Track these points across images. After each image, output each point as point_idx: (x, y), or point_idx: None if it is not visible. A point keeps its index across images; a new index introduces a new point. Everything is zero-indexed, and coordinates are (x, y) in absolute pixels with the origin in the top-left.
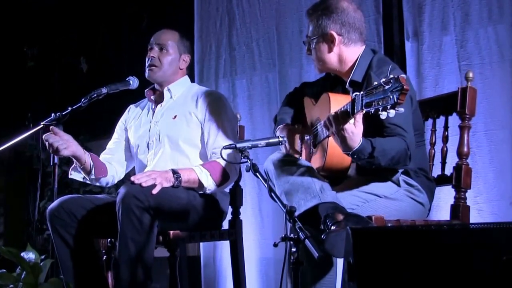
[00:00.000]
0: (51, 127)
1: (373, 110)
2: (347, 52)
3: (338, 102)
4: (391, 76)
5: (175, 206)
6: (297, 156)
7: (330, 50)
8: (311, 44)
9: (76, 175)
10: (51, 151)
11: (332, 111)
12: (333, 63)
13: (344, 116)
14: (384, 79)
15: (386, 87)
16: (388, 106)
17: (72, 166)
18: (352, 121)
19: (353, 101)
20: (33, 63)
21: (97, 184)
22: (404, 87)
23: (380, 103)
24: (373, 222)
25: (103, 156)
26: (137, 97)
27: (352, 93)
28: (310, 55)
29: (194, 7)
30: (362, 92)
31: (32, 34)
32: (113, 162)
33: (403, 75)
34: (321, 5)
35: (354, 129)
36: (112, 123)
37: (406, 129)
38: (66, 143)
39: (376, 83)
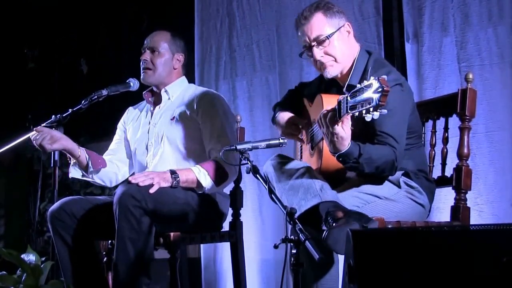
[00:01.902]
0: (34, 128)
1: (357, 113)
2: (353, 47)
3: (331, 103)
4: (372, 78)
5: (173, 206)
6: (299, 144)
7: (348, 41)
8: (328, 41)
9: (74, 173)
10: (39, 148)
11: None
12: (350, 57)
13: (332, 119)
14: (365, 82)
15: (368, 89)
16: (371, 109)
17: (71, 165)
18: (340, 123)
19: (339, 104)
20: (33, 64)
21: (100, 181)
22: (385, 88)
23: (363, 106)
24: (375, 220)
25: (105, 156)
26: (138, 99)
27: None
28: (322, 57)
29: (195, 8)
30: (346, 95)
31: (32, 36)
32: (114, 161)
33: (384, 77)
34: (319, 5)
35: (344, 133)
36: (112, 125)
37: (398, 139)
38: (53, 138)
39: (359, 85)
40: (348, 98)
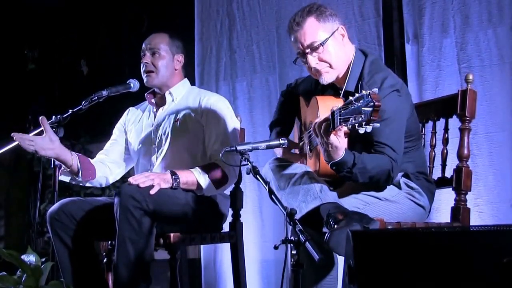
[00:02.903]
0: (40, 118)
1: (350, 126)
2: (348, 50)
3: (326, 106)
4: (363, 92)
5: (173, 207)
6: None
7: (343, 44)
8: (323, 47)
9: (64, 178)
10: (33, 152)
11: (319, 117)
12: (346, 60)
13: (326, 129)
14: (357, 95)
15: (359, 103)
16: (363, 123)
17: (61, 169)
18: (335, 134)
19: (332, 114)
20: (33, 65)
21: (89, 184)
22: (376, 103)
23: (356, 119)
24: (376, 221)
25: (99, 156)
26: (138, 100)
27: None
28: (317, 64)
29: (195, 9)
30: (339, 107)
31: (32, 37)
32: (107, 163)
33: (375, 90)
34: (311, 10)
35: (338, 143)
36: (112, 126)
37: (396, 148)
38: (48, 145)
39: (350, 98)
40: (341, 110)
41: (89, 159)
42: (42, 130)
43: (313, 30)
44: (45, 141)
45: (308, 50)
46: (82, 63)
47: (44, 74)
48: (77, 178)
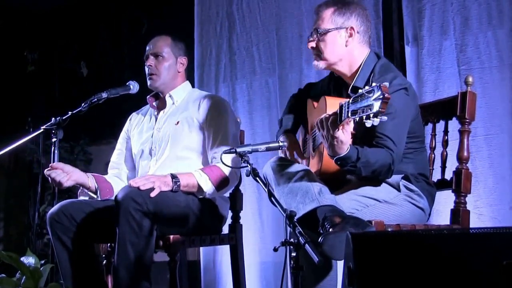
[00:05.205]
0: (51, 164)
1: (357, 118)
2: (357, 51)
3: (334, 106)
4: (374, 84)
5: (174, 210)
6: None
7: (346, 44)
8: (322, 36)
9: (82, 198)
10: (54, 185)
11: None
12: (342, 59)
13: (333, 122)
14: (367, 88)
15: (369, 95)
16: (371, 115)
17: (79, 191)
18: (341, 128)
19: (340, 108)
20: (33, 67)
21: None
22: (385, 95)
23: (363, 112)
24: (372, 226)
25: (111, 171)
26: (137, 102)
27: None
28: (313, 48)
29: (194, 11)
30: (349, 100)
31: (32, 39)
32: (122, 177)
33: (386, 84)
34: (336, 2)
35: (344, 137)
36: (112, 127)
37: (397, 143)
38: (67, 175)
39: (360, 91)
40: (350, 103)
41: (104, 177)
42: (39, 134)
43: (325, 17)
44: (61, 176)
45: (313, 32)
46: (82, 65)
47: (44, 76)
48: (95, 197)
